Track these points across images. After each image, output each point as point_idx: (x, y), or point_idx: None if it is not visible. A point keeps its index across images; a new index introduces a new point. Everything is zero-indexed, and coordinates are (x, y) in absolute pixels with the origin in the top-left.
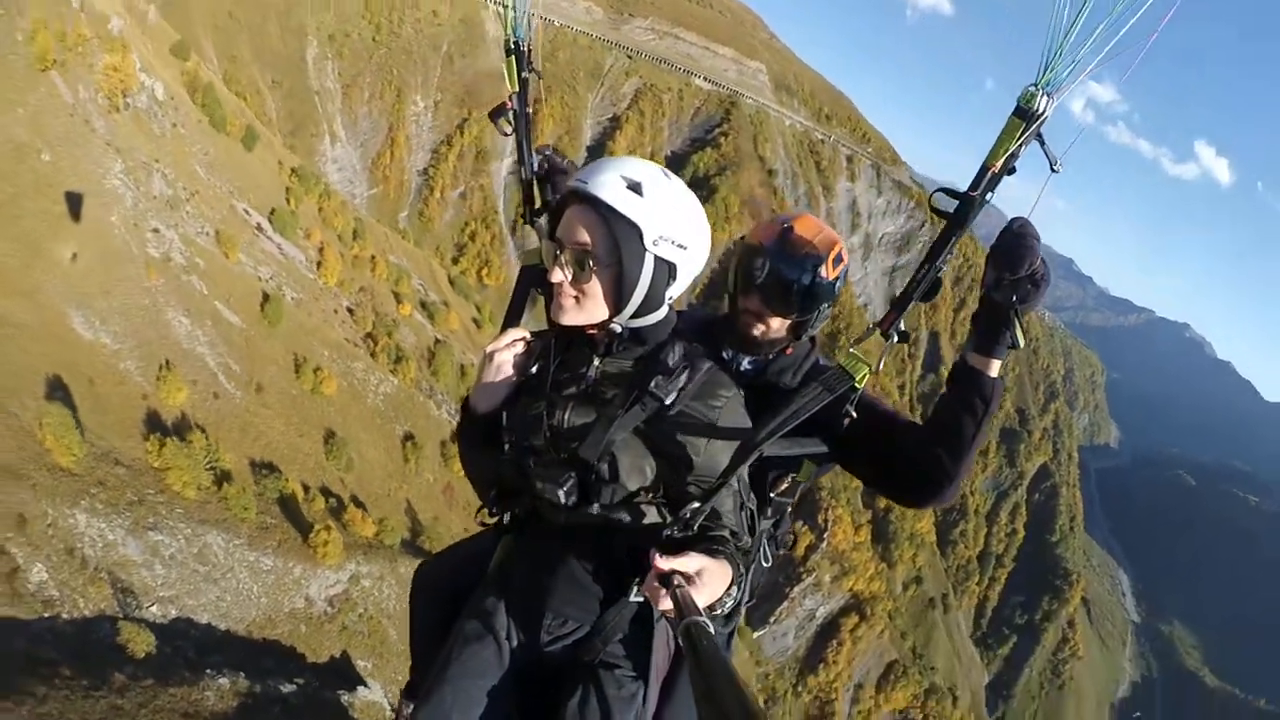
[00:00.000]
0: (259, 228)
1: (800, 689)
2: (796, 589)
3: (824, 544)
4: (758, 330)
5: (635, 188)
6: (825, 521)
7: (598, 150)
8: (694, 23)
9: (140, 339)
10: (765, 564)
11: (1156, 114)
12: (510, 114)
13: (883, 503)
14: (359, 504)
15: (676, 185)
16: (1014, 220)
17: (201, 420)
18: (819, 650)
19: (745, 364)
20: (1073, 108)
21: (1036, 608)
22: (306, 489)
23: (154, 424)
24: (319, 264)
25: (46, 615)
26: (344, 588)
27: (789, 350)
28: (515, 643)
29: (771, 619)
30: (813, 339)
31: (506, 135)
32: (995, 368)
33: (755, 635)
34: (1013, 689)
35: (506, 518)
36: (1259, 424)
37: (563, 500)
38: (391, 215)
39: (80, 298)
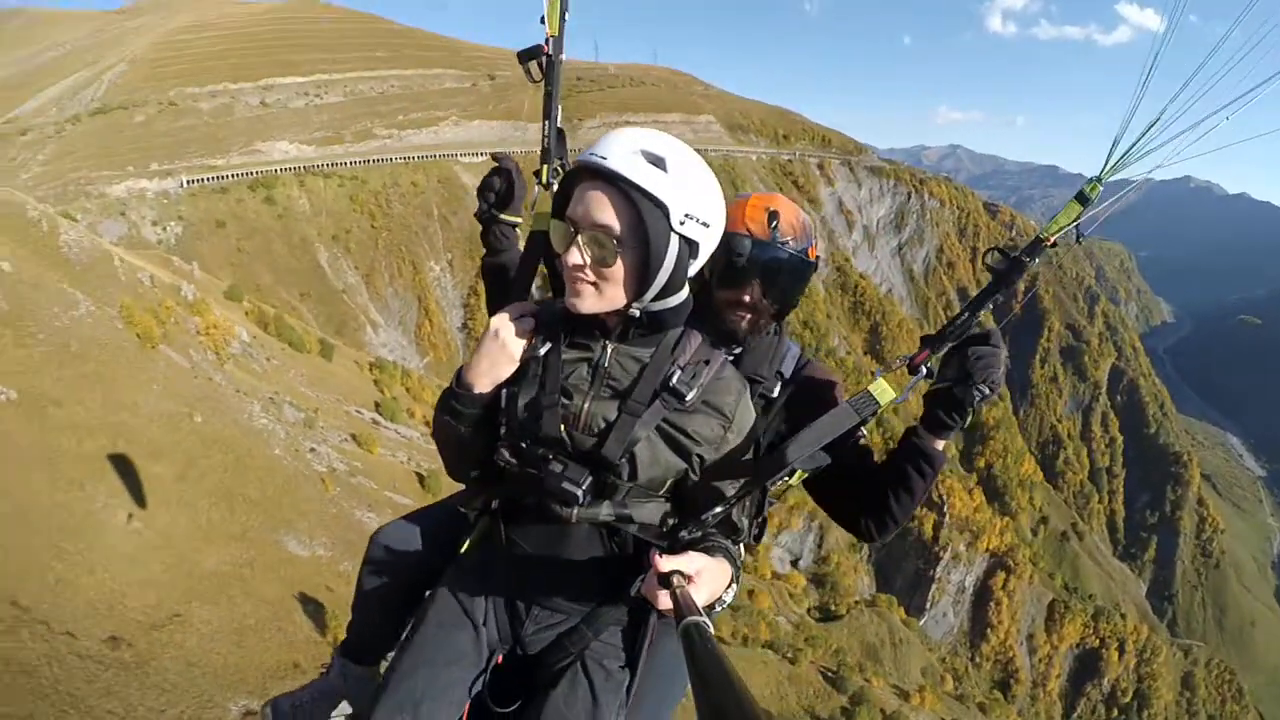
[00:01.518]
0: (375, 421)
1: (978, 659)
2: (939, 568)
3: (946, 517)
4: (746, 322)
5: (658, 162)
6: (941, 497)
7: None
8: (637, 103)
9: (345, 542)
10: (741, 564)
11: None
12: (544, 60)
13: (983, 461)
14: None
15: (695, 158)
16: (989, 333)
17: None
18: (981, 617)
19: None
20: (991, 25)
21: (1163, 502)
22: None
23: None
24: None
25: None
26: None
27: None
28: (495, 629)
29: (928, 605)
30: (779, 324)
31: (535, 82)
32: (942, 445)
33: (920, 623)
34: (1172, 587)
35: (494, 503)
36: None
37: (580, 499)
38: (450, 375)
39: (284, 526)
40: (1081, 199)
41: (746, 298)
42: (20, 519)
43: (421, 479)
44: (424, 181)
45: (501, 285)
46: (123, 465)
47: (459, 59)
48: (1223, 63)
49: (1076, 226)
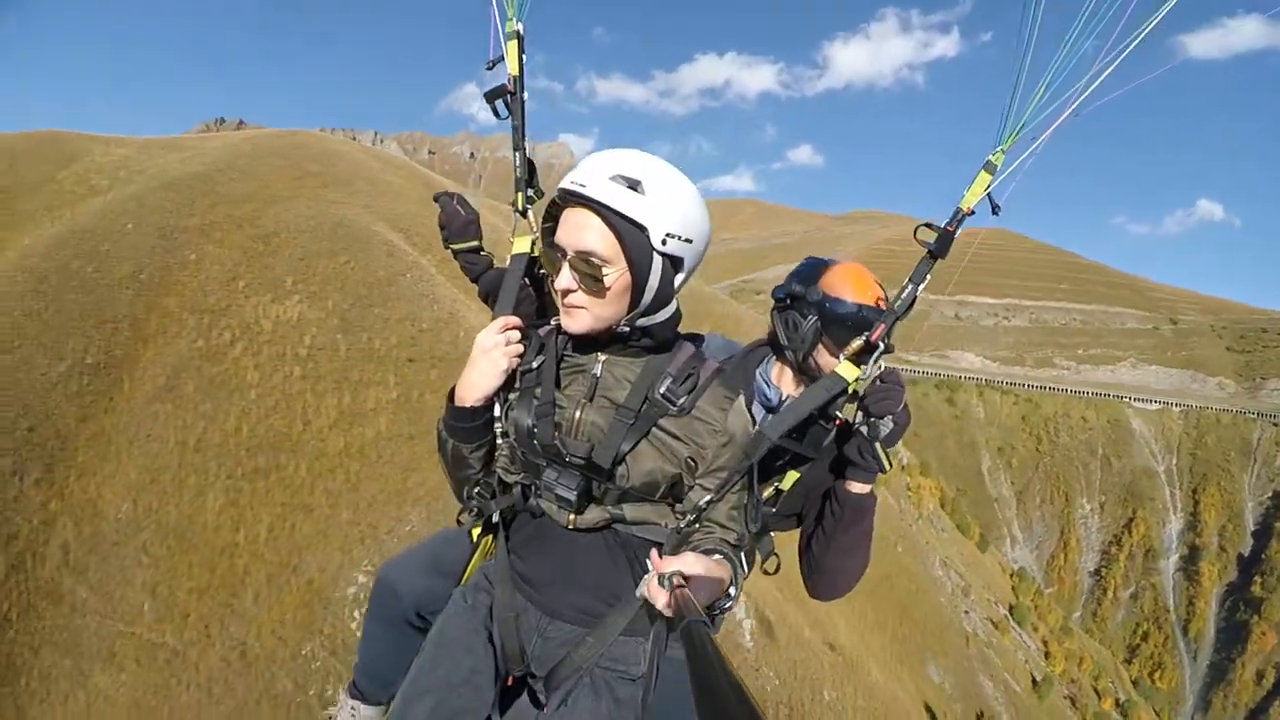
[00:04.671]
0: (1005, 617)
1: None
2: None
3: None
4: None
5: (635, 185)
6: None
7: (1264, 535)
8: None
9: (964, 691)
10: (744, 570)
11: None
12: (508, 98)
13: None
14: None
15: (672, 174)
16: (888, 371)
17: None
18: None
19: (785, 396)
20: None
21: None
22: None
23: None
24: (1046, 654)
25: None
26: None
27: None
28: (503, 648)
29: None
30: None
31: (502, 119)
32: (859, 488)
33: None
34: None
35: (495, 516)
36: None
37: (573, 504)
38: (1065, 613)
39: (931, 654)
40: (990, 169)
41: (838, 352)
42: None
43: (1035, 682)
44: (1093, 418)
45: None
46: None
47: (1141, 299)
48: (1097, 34)
49: (990, 198)
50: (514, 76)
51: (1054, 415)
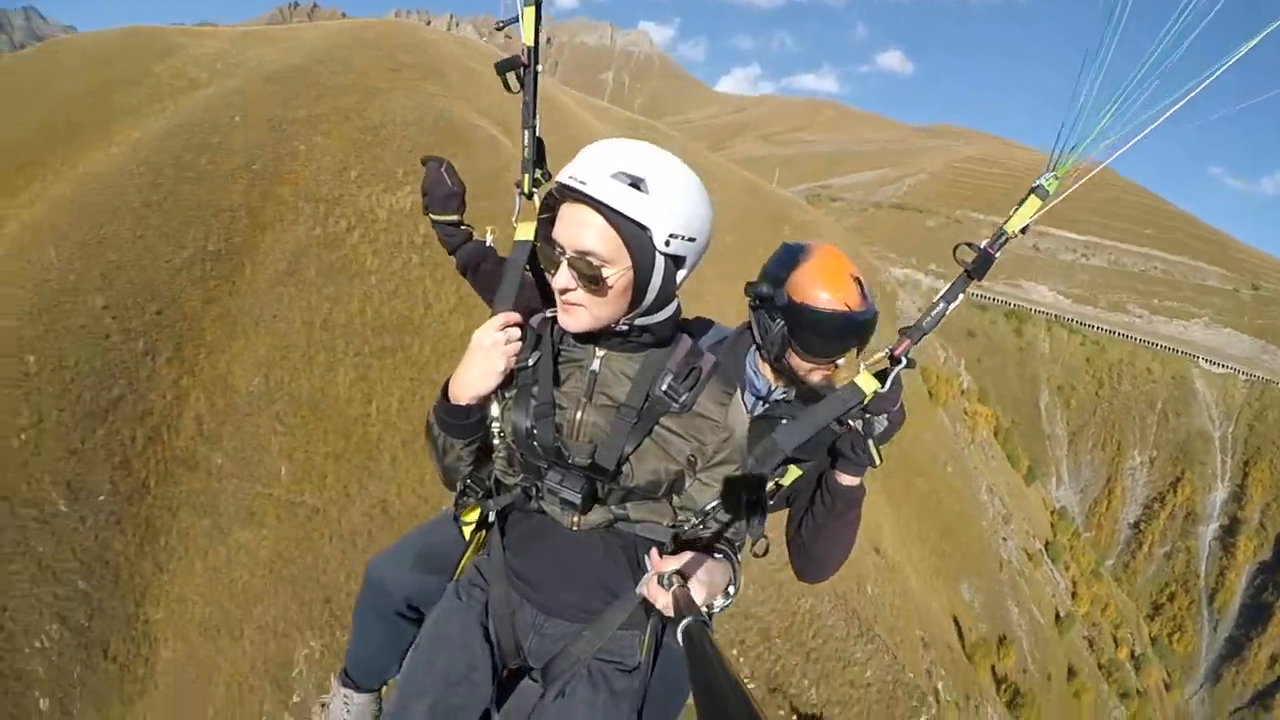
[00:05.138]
0: (1040, 551)
1: None
2: None
3: None
4: (829, 379)
5: (638, 184)
6: None
7: None
8: None
9: (991, 612)
10: (741, 566)
11: None
12: (521, 70)
13: None
14: None
15: (675, 170)
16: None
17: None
18: None
19: (779, 395)
20: None
21: None
22: None
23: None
24: (1073, 594)
25: None
26: None
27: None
28: (499, 644)
29: None
30: None
31: (513, 92)
32: (848, 480)
33: None
34: None
35: (492, 515)
36: None
37: (578, 505)
38: (1098, 559)
39: (963, 573)
40: (1041, 194)
41: (841, 361)
42: None
43: (1058, 617)
44: (1158, 371)
45: (481, 286)
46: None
47: (1225, 257)
48: (1166, 55)
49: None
50: (528, 47)
51: (1119, 361)
